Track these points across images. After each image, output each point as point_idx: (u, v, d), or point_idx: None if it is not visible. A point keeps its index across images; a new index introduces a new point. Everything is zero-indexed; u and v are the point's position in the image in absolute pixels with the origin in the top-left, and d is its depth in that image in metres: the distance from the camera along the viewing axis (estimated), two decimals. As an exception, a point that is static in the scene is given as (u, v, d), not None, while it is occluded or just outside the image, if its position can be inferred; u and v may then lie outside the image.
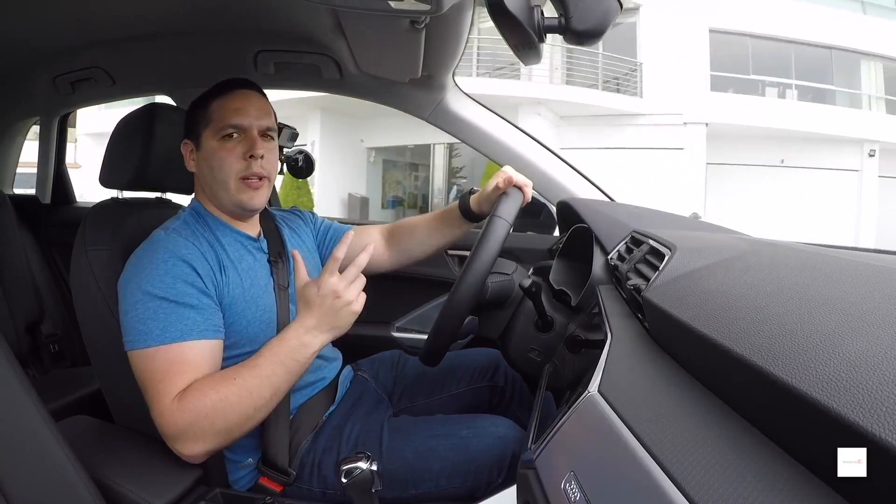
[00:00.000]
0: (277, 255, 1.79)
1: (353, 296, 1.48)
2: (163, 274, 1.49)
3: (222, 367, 1.54)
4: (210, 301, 1.55)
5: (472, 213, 1.94)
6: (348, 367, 2.05)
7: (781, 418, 0.60)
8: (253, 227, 1.79)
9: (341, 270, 1.48)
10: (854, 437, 0.48)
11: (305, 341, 1.48)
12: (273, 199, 2.94)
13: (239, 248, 1.70)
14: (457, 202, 1.99)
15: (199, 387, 1.42)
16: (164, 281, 1.48)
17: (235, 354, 1.60)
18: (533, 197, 1.85)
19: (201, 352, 1.48)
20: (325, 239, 2.06)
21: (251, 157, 1.65)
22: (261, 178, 1.68)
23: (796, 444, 0.58)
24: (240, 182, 1.65)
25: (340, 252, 1.50)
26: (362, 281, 1.52)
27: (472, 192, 1.96)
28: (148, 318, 1.45)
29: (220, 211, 1.72)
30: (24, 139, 3.50)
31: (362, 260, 1.51)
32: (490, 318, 1.75)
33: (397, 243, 2.10)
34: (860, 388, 0.51)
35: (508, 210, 1.65)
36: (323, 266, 1.88)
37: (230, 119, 1.64)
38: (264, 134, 1.69)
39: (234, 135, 1.64)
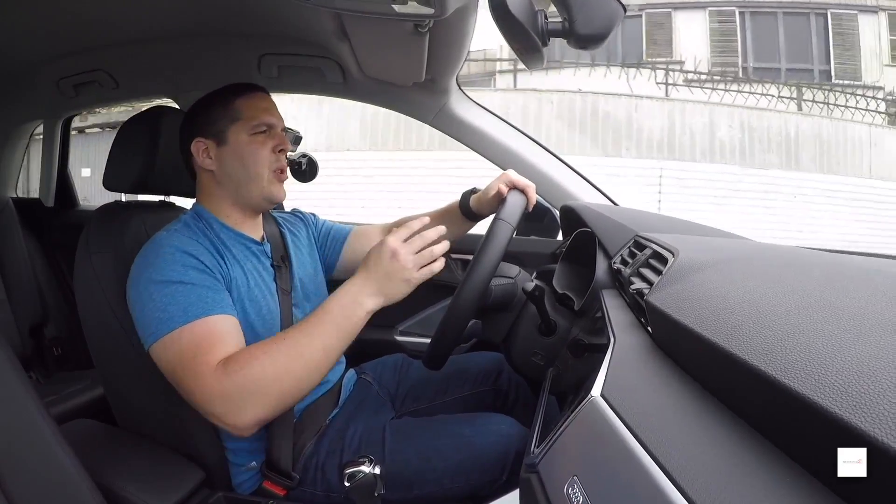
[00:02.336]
0: (281, 259, 1.80)
1: (410, 263, 1.45)
2: (172, 263, 1.48)
3: None
4: (221, 286, 1.54)
5: (473, 213, 1.95)
6: (352, 371, 2.05)
7: (785, 423, 0.60)
8: (256, 231, 1.80)
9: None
10: (856, 443, 0.48)
11: (359, 299, 1.45)
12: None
13: (243, 249, 1.71)
14: (457, 200, 1.99)
15: (243, 353, 1.39)
16: (175, 269, 1.47)
17: None
18: (536, 201, 1.85)
19: (227, 326, 1.46)
20: (327, 240, 2.07)
21: (280, 151, 1.70)
22: (284, 171, 1.73)
23: (801, 449, 0.58)
24: (272, 174, 1.70)
25: (416, 224, 1.51)
26: (430, 256, 1.48)
27: (473, 191, 1.96)
28: (167, 303, 1.43)
29: (231, 211, 1.73)
30: (28, 142, 3.51)
31: (416, 224, 1.51)
32: (493, 321, 1.74)
33: None
34: (862, 392, 0.51)
35: (512, 213, 1.64)
36: (323, 266, 1.91)
37: (262, 117, 1.69)
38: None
39: (265, 131, 1.69)
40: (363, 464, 1.35)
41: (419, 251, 1.47)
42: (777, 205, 12.52)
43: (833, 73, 15.68)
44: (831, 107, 13.82)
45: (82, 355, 2.05)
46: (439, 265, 1.48)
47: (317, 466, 1.67)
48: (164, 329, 1.41)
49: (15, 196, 3.42)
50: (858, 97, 14.27)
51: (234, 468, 1.67)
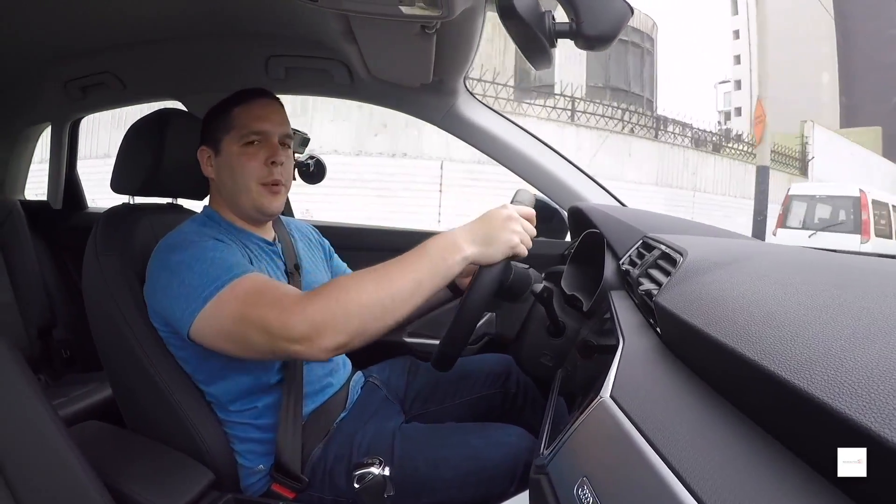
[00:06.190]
0: (294, 267, 1.81)
1: (518, 235, 1.46)
2: (202, 242, 1.51)
3: (225, 378, 1.60)
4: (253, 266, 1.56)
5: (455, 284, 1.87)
6: (359, 373, 2.04)
7: (795, 424, 0.60)
8: (268, 232, 1.81)
9: None
10: (866, 443, 0.48)
11: (459, 244, 1.43)
12: (286, 208, 2.94)
13: (258, 250, 1.72)
14: None
15: (329, 283, 1.41)
16: (206, 245, 1.50)
17: (238, 371, 1.62)
18: (545, 202, 1.85)
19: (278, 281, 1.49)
20: (331, 266, 2.11)
21: (273, 163, 1.67)
22: (278, 184, 1.70)
23: (811, 450, 0.58)
24: (261, 186, 1.67)
25: (532, 211, 1.55)
26: (528, 238, 1.51)
27: None
28: (207, 267, 1.44)
29: (235, 216, 1.74)
30: (35, 145, 3.52)
31: (532, 211, 1.55)
32: (507, 313, 1.74)
33: None
34: (873, 393, 0.51)
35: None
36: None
37: (253, 126, 1.66)
38: (283, 142, 1.72)
39: (256, 141, 1.67)
40: (373, 465, 1.34)
41: (526, 230, 1.49)
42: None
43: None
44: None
45: (91, 357, 2.06)
46: (524, 251, 1.49)
47: (325, 471, 1.66)
48: (218, 284, 1.41)
49: (23, 199, 3.43)
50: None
51: (243, 470, 1.67)
